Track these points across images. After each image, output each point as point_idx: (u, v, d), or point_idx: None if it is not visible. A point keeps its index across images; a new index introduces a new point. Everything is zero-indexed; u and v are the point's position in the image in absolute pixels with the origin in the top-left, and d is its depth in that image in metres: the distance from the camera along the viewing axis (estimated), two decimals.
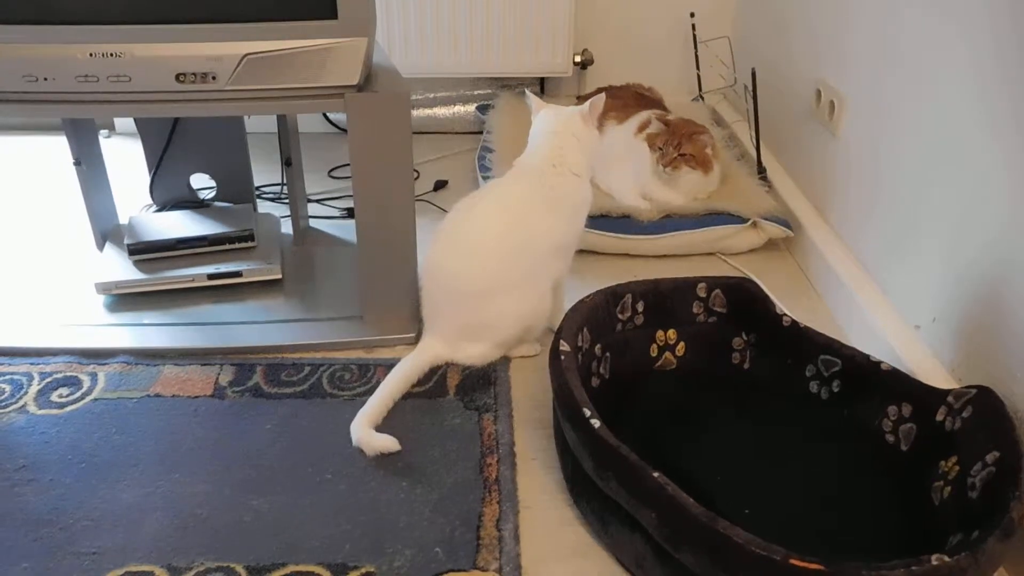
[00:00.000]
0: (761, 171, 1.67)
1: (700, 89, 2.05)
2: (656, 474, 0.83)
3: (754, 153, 1.69)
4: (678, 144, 1.52)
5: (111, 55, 1.04)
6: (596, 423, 0.89)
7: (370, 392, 1.14)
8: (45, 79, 1.04)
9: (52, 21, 1.02)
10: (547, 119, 1.20)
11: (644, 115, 1.64)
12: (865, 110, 1.36)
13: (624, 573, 0.91)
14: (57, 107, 1.10)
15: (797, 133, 1.64)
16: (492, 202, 1.19)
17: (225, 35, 1.04)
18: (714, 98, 2.05)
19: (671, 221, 1.52)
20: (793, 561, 0.73)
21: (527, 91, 1.29)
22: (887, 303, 1.26)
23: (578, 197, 1.19)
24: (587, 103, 1.17)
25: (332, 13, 1.05)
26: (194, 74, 1.06)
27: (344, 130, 2.01)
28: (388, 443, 1.04)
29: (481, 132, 1.89)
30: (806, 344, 1.11)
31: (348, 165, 1.23)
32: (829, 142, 1.48)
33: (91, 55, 1.03)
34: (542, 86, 2.10)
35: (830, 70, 1.49)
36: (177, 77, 1.06)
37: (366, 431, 1.05)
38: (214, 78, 1.07)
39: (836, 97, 1.44)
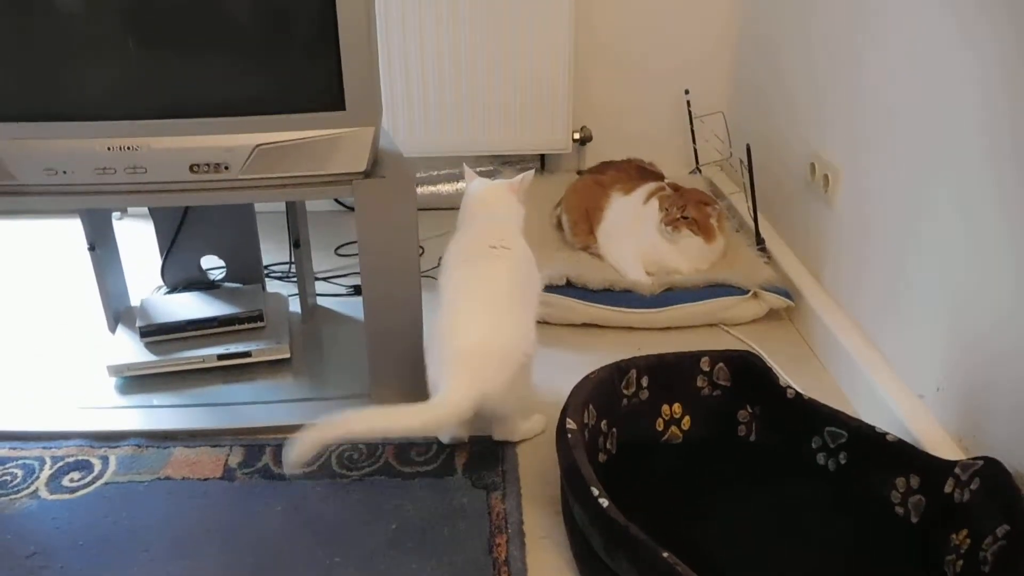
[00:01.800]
0: (760, 242, 1.70)
1: (697, 162, 2.10)
2: (666, 554, 0.83)
3: (752, 224, 1.72)
4: (683, 207, 1.57)
5: (128, 148, 1.08)
6: (605, 502, 0.90)
7: (379, 472, 1.14)
8: (65, 172, 1.08)
9: (73, 117, 1.07)
10: (478, 193, 1.30)
11: (652, 185, 1.68)
12: (860, 182, 1.39)
13: None
14: (75, 199, 1.13)
15: (794, 205, 1.68)
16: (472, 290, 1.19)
17: (238, 128, 1.09)
18: (711, 170, 2.10)
19: (673, 294, 1.54)
20: None
21: (464, 164, 1.41)
22: (891, 372, 1.26)
23: (521, 261, 1.22)
24: (520, 176, 1.29)
25: (341, 105, 1.09)
26: (207, 164, 1.10)
27: (350, 208, 2.05)
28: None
29: None
30: (811, 416, 1.12)
31: (355, 243, 1.26)
32: (825, 213, 1.52)
33: (108, 148, 1.08)
34: (542, 162, 2.15)
35: (823, 144, 1.53)
36: (191, 167, 1.10)
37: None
38: (227, 168, 1.11)
39: (830, 170, 1.48)
